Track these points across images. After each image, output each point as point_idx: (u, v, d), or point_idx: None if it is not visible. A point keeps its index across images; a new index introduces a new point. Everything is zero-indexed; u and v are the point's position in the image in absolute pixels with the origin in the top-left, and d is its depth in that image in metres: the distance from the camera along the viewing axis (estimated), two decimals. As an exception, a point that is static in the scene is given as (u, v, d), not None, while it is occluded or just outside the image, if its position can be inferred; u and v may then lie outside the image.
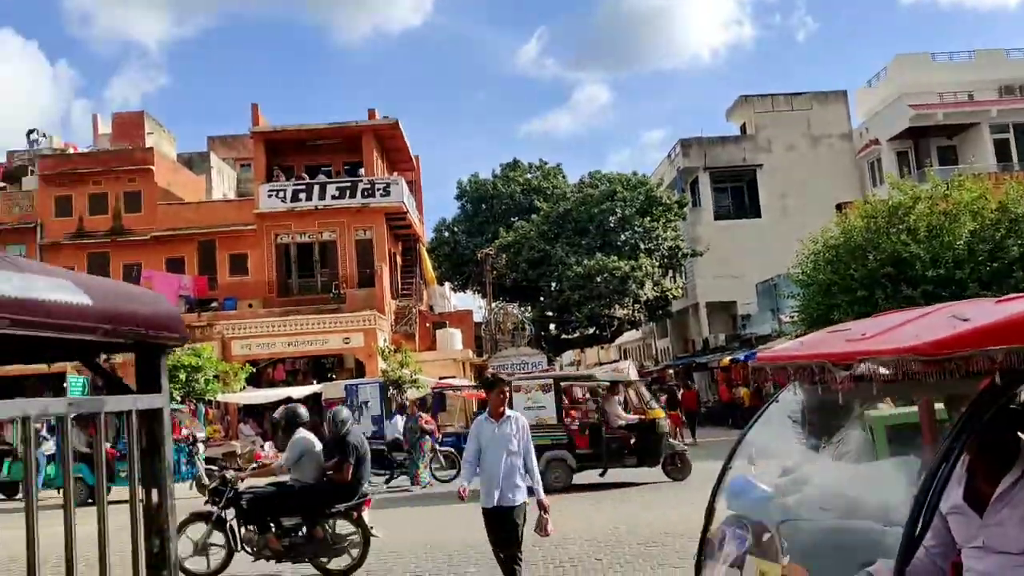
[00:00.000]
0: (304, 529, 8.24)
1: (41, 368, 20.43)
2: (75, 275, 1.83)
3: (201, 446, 18.88)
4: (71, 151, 34.28)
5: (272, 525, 8.23)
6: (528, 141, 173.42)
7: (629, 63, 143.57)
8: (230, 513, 8.41)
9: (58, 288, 1.68)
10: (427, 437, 17.21)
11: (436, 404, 23.65)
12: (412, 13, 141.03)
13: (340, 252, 30.75)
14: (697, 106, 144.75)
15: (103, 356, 2.30)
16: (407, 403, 20.77)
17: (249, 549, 8.30)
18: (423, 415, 18.32)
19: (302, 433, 8.52)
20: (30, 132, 35.57)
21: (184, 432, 19.08)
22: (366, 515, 8.42)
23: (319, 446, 8.59)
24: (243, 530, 8.34)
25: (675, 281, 40.77)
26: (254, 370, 26.94)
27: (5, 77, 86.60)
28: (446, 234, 42.29)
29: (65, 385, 19.89)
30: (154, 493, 2.12)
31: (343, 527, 8.42)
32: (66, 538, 1.81)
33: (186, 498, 13.29)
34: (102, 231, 30.47)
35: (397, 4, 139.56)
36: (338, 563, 8.36)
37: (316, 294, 30.19)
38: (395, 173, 33.97)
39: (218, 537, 8.40)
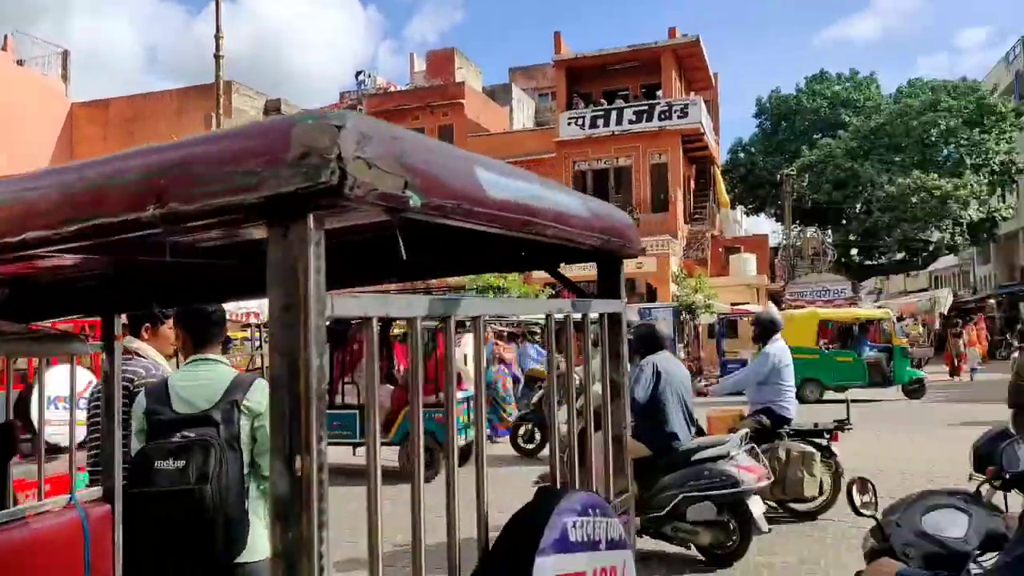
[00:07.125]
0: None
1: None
2: (567, 188, 1.85)
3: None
4: (391, 89, 37.85)
5: None
6: (826, 51, 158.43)
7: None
8: None
9: (571, 197, 1.72)
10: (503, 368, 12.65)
11: (722, 331, 23.31)
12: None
13: (635, 176, 31.05)
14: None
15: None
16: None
17: None
18: (498, 342, 13.80)
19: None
20: (358, 73, 39.18)
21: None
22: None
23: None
24: None
25: (1004, 200, 35.90)
26: (553, 292, 28.54)
27: (332, 24, 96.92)
28: (741, 155, 40.85)
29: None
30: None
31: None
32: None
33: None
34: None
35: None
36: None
37: (610, 219, 30.94)
38: (692, 93, 33.29)
39: None
